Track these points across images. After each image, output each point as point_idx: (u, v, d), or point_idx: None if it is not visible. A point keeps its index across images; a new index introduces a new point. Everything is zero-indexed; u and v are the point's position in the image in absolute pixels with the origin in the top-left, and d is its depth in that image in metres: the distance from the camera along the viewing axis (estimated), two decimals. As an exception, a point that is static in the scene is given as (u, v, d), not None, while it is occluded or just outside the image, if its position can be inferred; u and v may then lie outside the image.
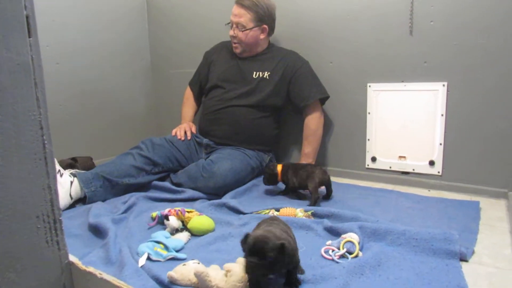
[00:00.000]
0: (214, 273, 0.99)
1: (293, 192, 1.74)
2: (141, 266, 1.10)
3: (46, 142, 0.70)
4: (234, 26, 1.93)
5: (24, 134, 0.68)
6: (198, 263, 1.05)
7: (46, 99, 0.71)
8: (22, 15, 0.64)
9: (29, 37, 0.66)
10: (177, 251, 1.21)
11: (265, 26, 1.96)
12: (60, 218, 0.74)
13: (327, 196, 1.70)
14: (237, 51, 1.99)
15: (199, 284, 0.98)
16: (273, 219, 1.06)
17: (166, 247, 1.21)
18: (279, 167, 1.71)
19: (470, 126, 1.70)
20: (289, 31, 2.09)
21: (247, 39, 1.94)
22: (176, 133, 2.01)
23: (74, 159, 2.01)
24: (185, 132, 2.03)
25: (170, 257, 1.17)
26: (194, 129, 2.09)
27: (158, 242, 1.23)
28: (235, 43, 1.97)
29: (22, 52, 0.65)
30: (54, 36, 2.07)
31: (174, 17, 2.51)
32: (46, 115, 0.70)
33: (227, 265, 1.00)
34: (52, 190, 0.72)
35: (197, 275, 0.97)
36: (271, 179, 1.73)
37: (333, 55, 1.99)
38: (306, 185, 1.64)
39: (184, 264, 1.04)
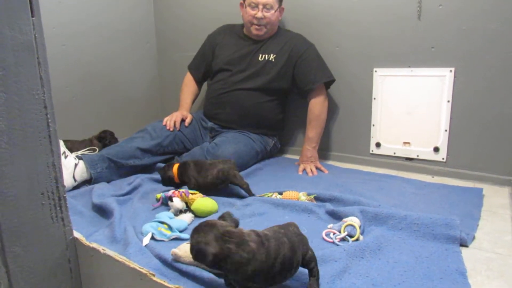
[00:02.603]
0: None
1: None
2: (145, 245, 1.13)
3: (50, 121, 0.72)
4: (261, 7, 1.87)
5: (28, 113, 0.69)
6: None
7: (50, 78, 0.71)
8: (25, -6, 0.65)
9: (32, 16, 0.66)
10: (180, 231, 1.24)
11: (283, 6, 1.96)
12: (65, 195, 0.76)
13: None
14: (260, 32, 1.94)
15: None
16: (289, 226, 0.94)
17: (170, 228, 1.23)
18: (175, 168, 1.56)
19: (476, 113, 1.69)
20: (296, 15, 2.07)
21: (275, 21, 1.93)
22: (166, 122, 1.93)
23: (105, 132, 2.06)
24: (175, 123, 1.94)
25: (173, 237, 1.20)
26: (188, 119, 1.98)
27: (162, 223, 1.25)
28: (260, 24, 1.91)
29: (25, 31, 0.65)
30: (60, 18, 2.07)
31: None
32: (50, 94, 0.71)
33: None
34: (56, 168, 0.74)
35: None
36: (165, 181, 1.57)
37: (339, 39, 1.96)
38: (221, 182, 1.53)
39: (188, 243, 1.06)
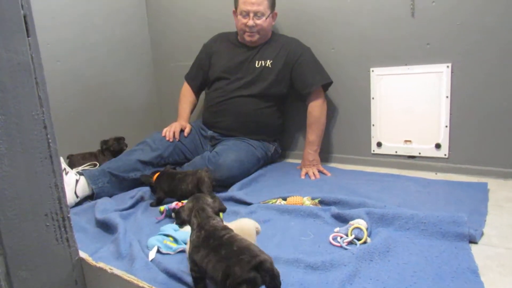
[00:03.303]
0: None
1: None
2: (151, 260, 1.11)
3: (50, 141, 0.71)
4: (252, 15, 1.87)
5: (28, 134, 0.68)
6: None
7: (48, 98, 0.71)
8: (20, 15, 0.64)
9: (28, 36, 0.66)
10: (186, 243, 1.22)
11: (275, 12, 1.95)
12: (69, 215, 0.75)
13: None
14: (253, 39, 1.93)
15: None
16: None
17: (175, 240, 1.22)
18: (155, 177, 1.60)
19: (476, 107, 1.68)
20: (290, 18, 2.07)
21: (267, 27, 1.92)
22: (165, 133, 1.92)
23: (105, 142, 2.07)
24: (174, 133, 1.93)
25: (179, 249, 1.18)
26: (188, 129, 1.98)
27: (167, 235, 1.24)
28: (252, 32, 1.91)
29: (22, 52, 0.65)
30: (54, 34, 2.07)
31: (174, 10, 2.49)
32: (49, 114, 0.70)
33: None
34: (59, 188, 0.73)
35: None
36: (152, 189, 1.64)
37: (334, 41, 1.96)
38: (191, 191, 1.50)
39: None
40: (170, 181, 1.57)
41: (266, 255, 0.83)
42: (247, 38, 1.94)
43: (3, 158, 0.66)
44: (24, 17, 0.64)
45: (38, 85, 0.67)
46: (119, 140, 2.05)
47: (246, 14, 1.87)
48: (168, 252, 1.17)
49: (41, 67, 0.68)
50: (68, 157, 2.00)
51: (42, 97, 0.68)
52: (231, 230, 0.94)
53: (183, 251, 1.18)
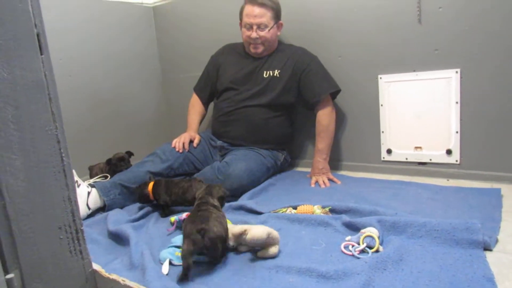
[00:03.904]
0: None
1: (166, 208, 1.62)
2: (167, 274, 1.11)
3: (63, 155, 0.72)
4: (255, 27, 1.88)
5: (42, 148, 0.69)
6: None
7: (61, 113, 0.72)
8: (33, 33, 0.66)
9: (41, 54, 0.68)
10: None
11: (281, 22, 1.96)
12: (82, 228, 0.76)
13: None
14: (258, 51, 1.95)
15: None
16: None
17: (187, 251, 1.22)
18: (150, 185, 1.62)
19: (486, 112, 1.67)
20: (296, 27, 2.08)
21: (271, 38, 1.93)
22: (175, 144, 1.95)
23: (128, 153, 2.08)
24: (184, 144, 1.96)
25: (191, 260, 1.18)
26: (197, 140, 2.01)
27: (178, 247, 1.24)
28: (257, 44, 1.93)
29: (35, 69, 0.67)
30: (67, 51, 2.11)
31: (181, 23, 2.53)
32: (62, 129, 0.72)
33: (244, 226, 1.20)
34: (72, 201, 0.74)
35: None
36: (142, 199, 1.64)
37: (341, 49, 1.97)
38: (183, 200, 1.57)
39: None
40: (170, 186, 1.61)
41: (215, 228, 1.11)
42: (252, 50, 1.96)
43: (18, 173, 0.67)
44: (37, 35, 0.66)
45: (51, 101, 0.69)
46: (120, 161, 2.01)
47: (250, 26, 1.90)
48: (181, 263, 1.17)
49: (54, 83, 0.70)
50: (88, 168, 2.08)
51: (55, 113, 0.70)
52: (212, 207, 1.24)
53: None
